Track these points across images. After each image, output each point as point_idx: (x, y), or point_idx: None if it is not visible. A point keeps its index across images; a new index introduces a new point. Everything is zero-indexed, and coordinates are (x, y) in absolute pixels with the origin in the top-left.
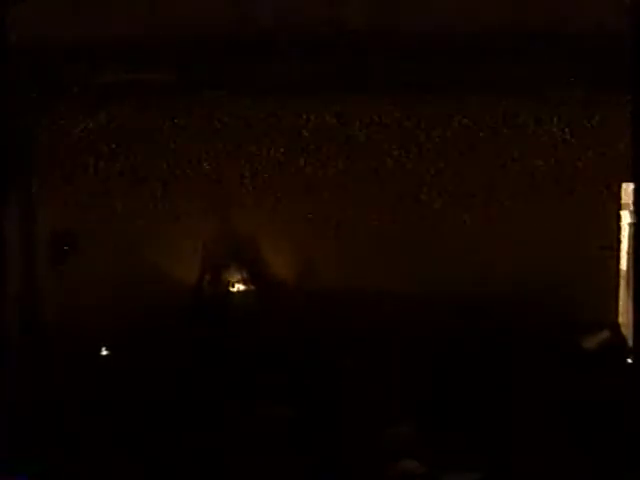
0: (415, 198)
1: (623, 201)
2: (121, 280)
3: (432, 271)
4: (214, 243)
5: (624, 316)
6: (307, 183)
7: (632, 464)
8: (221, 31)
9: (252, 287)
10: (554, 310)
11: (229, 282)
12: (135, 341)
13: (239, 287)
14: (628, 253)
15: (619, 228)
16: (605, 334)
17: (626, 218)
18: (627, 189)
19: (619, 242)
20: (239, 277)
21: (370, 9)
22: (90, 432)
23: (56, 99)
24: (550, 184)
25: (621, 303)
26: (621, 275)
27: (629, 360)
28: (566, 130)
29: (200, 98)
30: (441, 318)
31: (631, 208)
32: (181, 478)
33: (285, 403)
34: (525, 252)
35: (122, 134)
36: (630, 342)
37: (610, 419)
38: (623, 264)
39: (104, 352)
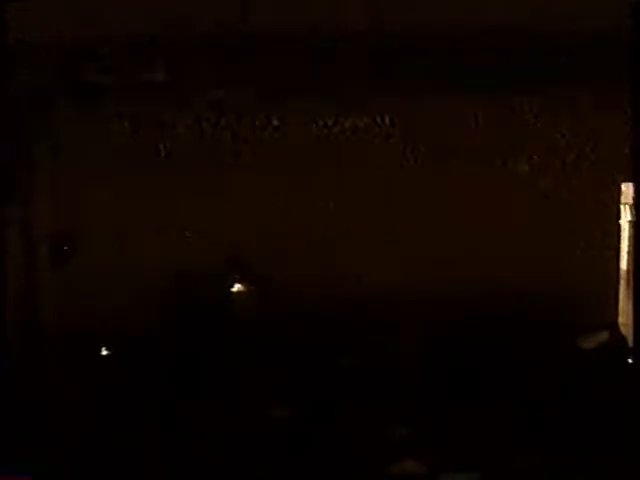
0: (414, 199)
1: (623, 201)
2: (121, 280)
3: (430, 271)
4: (215, 243)
5: (624, 316)
6: (308, 183)
7: (632, 464)
8: (221, 31)
9: (252, 287)
10: (554, 310)
11: (229, 282)
12: (135, 341)
13: (239, 287)
14: (628, 253)
15: (619, 228)
16: (605, 334)
17: (626, 218)
18: (627, 189)
19: (619, 242)
20: (239, 277)
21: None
22: (91, 432)
23: (56, 99)
24: (550, 184)
25: (621, 303)
26: (621, 275)
27: (629, 360)
28: (566, 130)
29: (200, 98)
30: (440, 318)
31: (631, 208)
32: (180, 478)
33: (285, 403)
34: (524, 252)
35: (122, 134)
36: (630, 342)
37: (610, 419)
38: (623, 264)
39: (104, 352)
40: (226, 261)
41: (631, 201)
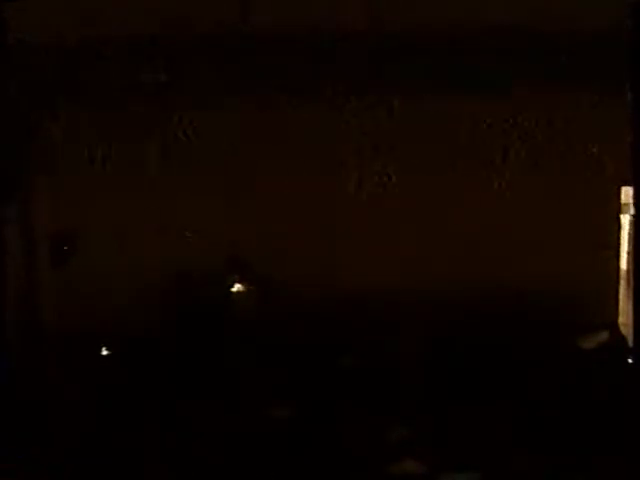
0: (415, 198)
1: (623, 201)
2: (121, 280)
3: (430, 270)
4: (215, 243)
5: (624, 316)
6: (307, 183)
7: (632, 464)
8: (221, 31)
9: (252, 287)
10: (554, 310)
11: (229, 282)
12: (135, 341)
13: (239, 287)
14: (628, 253)
15: (619, 227)
16: (605, 334)
17: (626, 218)
18: (627, 189)
19: (619, 242)
20: (239, 277)
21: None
22: (91, 432)
23: (56, 99)
24: (550, 183)
25: (621, 303)
26: (621, 275)
27: (629, 360)
28: (566, 130)
29: (200, 98)
30: (440, 318)
31: (631, 208)
32: (180, 478)
33: (285, 403)
34: (524, 252)
35: (122, 134)
36: (630, 342)
37: (610, 419)
38: (623, 264)
39: (104, 352)
40: (226, 261)
41: (631, 201)
